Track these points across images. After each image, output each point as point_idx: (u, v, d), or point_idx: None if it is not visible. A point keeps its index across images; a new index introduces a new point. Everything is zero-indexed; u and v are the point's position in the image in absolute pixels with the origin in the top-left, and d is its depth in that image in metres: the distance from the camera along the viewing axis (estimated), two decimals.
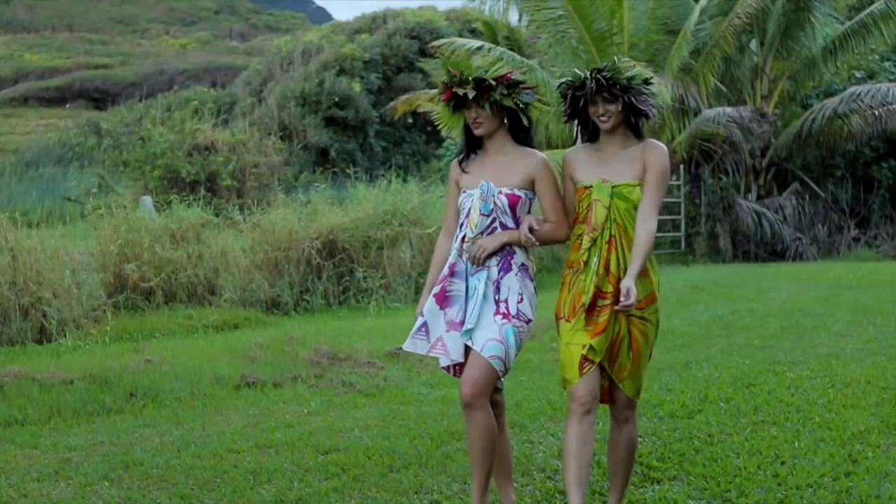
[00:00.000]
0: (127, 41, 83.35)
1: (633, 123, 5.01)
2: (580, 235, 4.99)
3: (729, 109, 22.04)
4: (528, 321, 5.03)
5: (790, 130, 23.60)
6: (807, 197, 23.53)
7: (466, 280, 5.03)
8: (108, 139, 39.00)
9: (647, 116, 4.99)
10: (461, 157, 5.26)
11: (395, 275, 14.98)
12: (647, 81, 4.98)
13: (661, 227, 22.50)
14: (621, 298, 4.68)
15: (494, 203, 5.01)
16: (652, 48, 22.86)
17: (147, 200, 15.65)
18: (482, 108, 5.03)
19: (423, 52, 39.75)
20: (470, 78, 5.02)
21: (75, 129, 44.65)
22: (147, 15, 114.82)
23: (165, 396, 8.15)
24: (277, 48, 45.21)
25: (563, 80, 5.13)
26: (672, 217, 22.81)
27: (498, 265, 5.01)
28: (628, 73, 4.92)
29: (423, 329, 5.01)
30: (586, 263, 4.91)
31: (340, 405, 7.84)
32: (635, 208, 4.91)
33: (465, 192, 5.14)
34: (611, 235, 4.91)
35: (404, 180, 17.71)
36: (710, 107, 22.58)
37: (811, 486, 5.50)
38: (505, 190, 5.03)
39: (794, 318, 11.61)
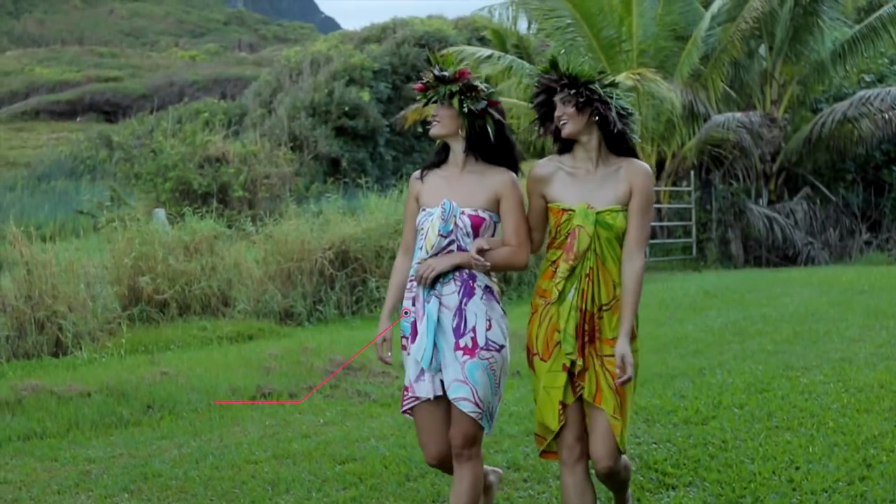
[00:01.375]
0: (136, 54, 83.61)
1: (611, 139, 4.63)
2: (554, 262, 4.64)
3: (739, 115, 22.10)
4: (501, 347, 4.63)
5: (800, 135, 23.63)
6: (818, 201, 23.54)
7: (423, 307, 4.64)
8: (119, 152, 39.20)
9: (622, 134, 4.60)
10: (423, 170, 4.90)
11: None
12: (612, 84, 4.63)
13: (671, 233, 22.60)
14: (617, 371, 4.48)
15: (455, 224, 4.63)
16: (661, 54, 22.96)
17: (160, 213, 15.73)
18: (448, 105, 4.68)
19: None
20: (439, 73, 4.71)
21: (86, 142, 44.82)
22: (156, 27, 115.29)
23: (182, 408, 8.21)
24: (286, 59, 45.30)
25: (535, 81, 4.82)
26: (683, 223, 22.84)
27: (459, 291, 4.63)
28: (603, 79, 4.61)
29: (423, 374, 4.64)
30: (561, 294, 4.56)
31: (356, 415, 7.89)
32: (617, 237, 4.58)
33: (424, 209, 4.76)
34: (589, 268, 4.56)
35: None
36: (720, 112, 22.65)
37: (826, 491, 5.53)
38: (468, 210, 4.66)
39: (806, 323, 11.62)
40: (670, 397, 7.85)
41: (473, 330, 4.59)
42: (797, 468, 5.93)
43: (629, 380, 4.52)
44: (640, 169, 4.63)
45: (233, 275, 14.04)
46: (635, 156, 4.70)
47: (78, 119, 61.35)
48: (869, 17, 23.85)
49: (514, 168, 4.79)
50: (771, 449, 6.32)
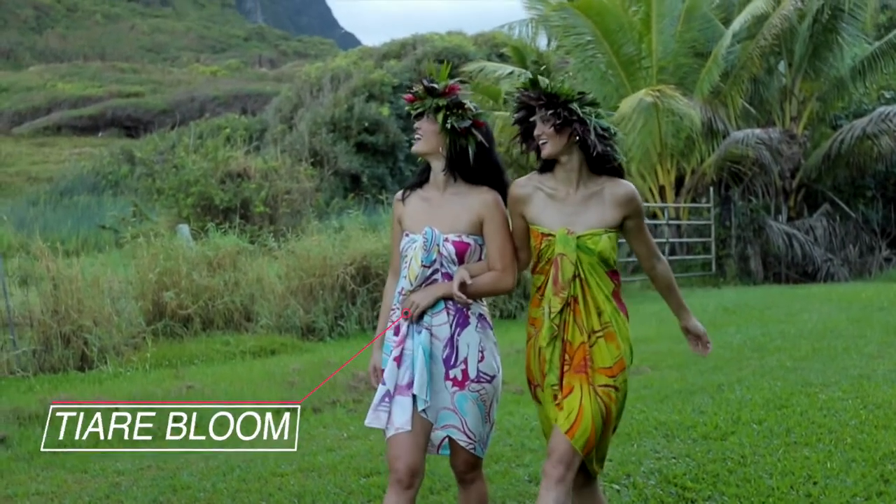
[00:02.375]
0: (158, 69, 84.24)
1: (592, 160, 4.47)
2: (539, 288, 4.51)
3: (758, 131, 22.15)
4: (492, 378, 4.53)
5: (820, 151, 23.65)
6: (837, 218, 23.55)
7: (411, 339, 4.47)
8: (140, 167, 39.51)
9: (605, 156, 4.44)
10: (404, 190, 4.75)
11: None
12: (593, 103, 4.44)
13: (691, 249, 22.65)
14: (706, 346, 4.81)
15: (439, 252, 4.49)
16: (680, 71, 23.07)
17: (184, 229, 15.91)
18: (433, 120, 4.53)
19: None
20: (428, 85, 4.57)
21: (109, 157, 45.14)
22: (177, 43, 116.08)
23: (208, 421, 8.32)
24: (307, 75, 45.56)
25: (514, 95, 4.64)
26: (702, 239, 22.89)
27: (451, 322, 4.48)
28: (583, 99, 4.43)
29: (387, 398, 4.45)
30: (559, 328, 4.42)
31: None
32: (601, 261, 4.43)
33: (407, 235, 4.60)
34: (571, 296, 4.42)
35: None
36: (739, 129, 22.70)
37: None
38: (452, 237, 4.51)
39: (825, 339, 11.68)
40: (690, 413, 7.93)
41: (465, 362, 4.47)
42: (815, 483, 6.00)
43: (710, 344, 4.80)
44: (625, 191, 4.50)
45: (255, 290, 14.19)
46: (620, 175, 4.56)
47: (100, 134, 61.82)
48: (888, 34, 23.88)
49: (503, 190, 4.61)
50: (789, 464, 6.38)
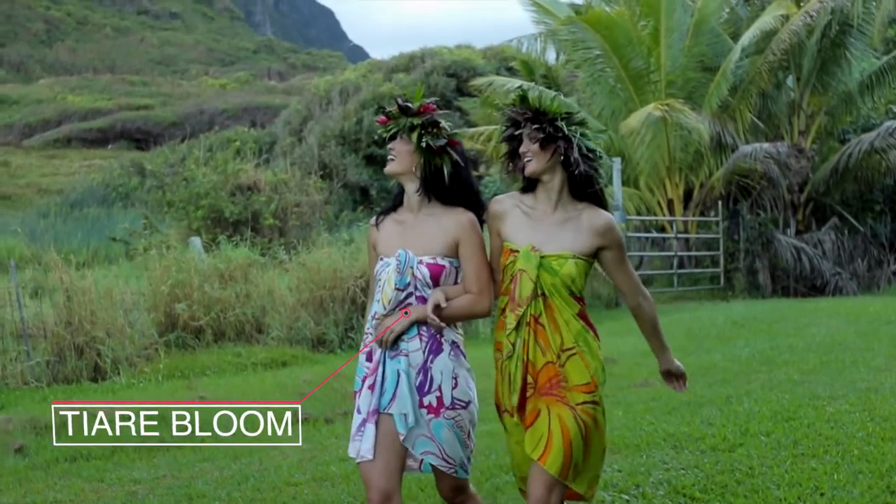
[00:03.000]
0: (167, 82, 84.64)
1: (576, 185, 4.41)
2: (503, 310, 4.41)
3: (766, 145, 22.24)
4: (467, 404, 4.44)
5: (827, 165, 23.71)
6: (846, 231, 23.59)
7: (384, 365, 4.40)
8: (150, 180, 39.69)
9: (589, 178, 4.39)
10: (380, 214, 4.66)
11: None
12: (581, 122, 4.41)
13: (699, 262, 22.71)
14: (683, 385, 4.76)
15: (413, 275, 4.39)
16: (689, 85, 23.20)
17: (196, 241, 16.03)
18: (408, 141, 4.47)
19: (461, 91, 40.17)
20: (401, 104, 4.48)
21: (119, 169, 45.35)
22: (187, 56, 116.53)
23: None
24: (316, 88, 45.77)
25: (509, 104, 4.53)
26: (711, 253, 22.96)
27: (424, 349, 4.39)
28: (572, 118, 4.39)
29: (363, 427, 4.44)
30: (514, 346, 4.32)
31: None
32: (565, 285, 4.31)
33: (381, 259, 4.52)
34: (531, 316, 4.32)
35: None
36: (748, 143, 22.79)
37: None
38: (426, 259, 4.41)
39: (833, 353, 11.73)
40: (698, 424, 8.00)
41: (439, 389, 4.37)
42: (822, 494, 6.06)
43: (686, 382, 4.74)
44: (604, 221, 4.40)
45: (266, 302, 14.29)
46: (600, 202, 4.47)
47: (109, 146, 62.12)
48: None
49: (478, 211, 4.54)
50: (797, 476, 6.45)
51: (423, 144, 4.43)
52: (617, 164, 20.66)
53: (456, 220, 4.44)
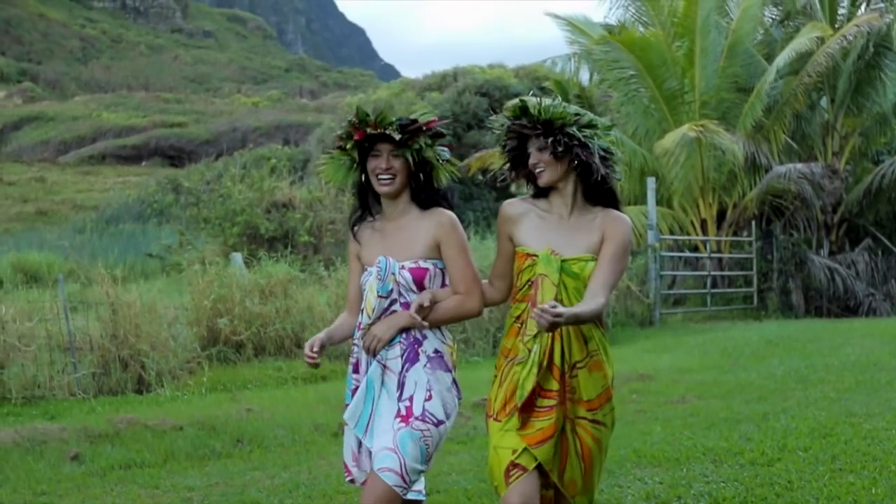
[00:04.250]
0: (201, 99, 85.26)
1: (590, 187, 4.27)
2: (519, 317, 4.24)
3: (800, 166, 22.30)
4: (439, 423, 4.25)
5: (861, 186, 23.75)
6: (879, 252, 23.58)
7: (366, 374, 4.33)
8: (184, 196, 40.06)
9: (603, 179, 4.23)
10: (354, 225, 4.56)
11: (474, 329, 15.39)
12: (591, 124, 4.23)
13: (732, 282, 22.77)
14: (549, 310, 3.84)
15: (395, 281, 4.31)
16: (723, 106, 23.32)
17: (237, 257, 16.29)
18: (399, 156, 4.34)
19: (493, 110, 40.25)
20: (393, 119, 4.32)
21: (154, 185, 45.80)
22: (219, 74, 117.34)
23: (270, 442, 8.64)
24: (350, 105, 46.04)
25: (500, 121, 4.36)
26: (744, 273, 23.00)
27: (402, 355, 4.29)
28: (580, 120, 4.21)
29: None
30: (530, 352, 4.13)
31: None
32: (585, 289, 4.16)
33: (366, 269, 4.42)
34: None
35: (482, 237, 18.20)
36: (781, 163, 22.86)
37: None
38: (408, 264, 4.33)
39: (868, 372, 11.81)
40: (736, 440, 8.13)
41: (410, 399, 4.23)
42: None
43: (558, 317, 3.86)
44: (617, 219, 4.28)
45: (306, 317, 14.49)
46: (616, 204, 4.34)
47: (143, 163, 62.66)
48: None
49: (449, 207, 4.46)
50: (835, 489, 6.57)
51: (440, 161, 4.41)
52: (651, 183, 20.79)
53: (436, 221, 4.36)
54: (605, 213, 4.29)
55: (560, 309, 3.85)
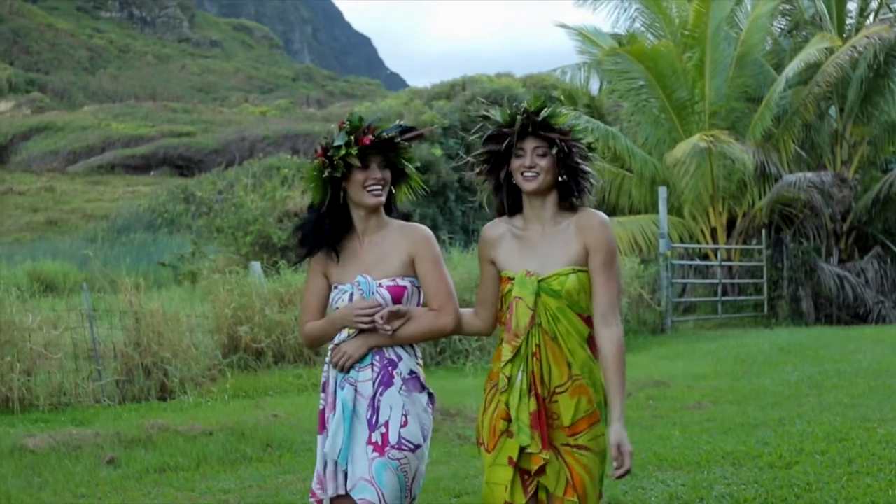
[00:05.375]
0: (208, 109, 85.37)
1: (566, 191, 4.02)
2: (503, 341, 4.03)
3: (810, 175, 22.48)
4: (416, 447, 4.09)
5: (870, 194, 23.93)
6: (888, 260, 23.71)
7: (335, 394, 4.15)
8: (194, 206, 40.28)
9: (583, 187, 4.00)
10: (329, 241, 4.25)
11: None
12: (590, 147, 4.06)
13: (742, 290, 22.93)
14: (615, 464, 3.89)
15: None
16: (732, 116, 23.53)
17: (256, 266, 16.47)
18: (387, 167, 4.23)
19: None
20: (390, 126, 4.20)
21: (164, 195, 46.01)
22: (226, 83, 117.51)
23: (298, 447, 8.83)
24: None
25: (486, 117, 4.11)
26: (755, 281, 23.16)
27: (375, 379, 4.11)
28: (571, 122, 4.00)
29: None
30: (510, 380, 3.94)
31: (459, 455, 8.46)
32: (571, 305, 3.96)
33: (336, 286, 4.23)
34: (536, 345, 3.94)
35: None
36: (791, 172, 23.03)
37: None
38: (385, 282, 4.15)
39: (881, 378, 11.99)
40: (754, 444, 8.32)
41: (386, 425, 4.05)
42: None
43: (628, 472, 3.91)
44: (593, 220, 4.01)
45: None
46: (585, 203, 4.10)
47: (152, 173, 62.83)
48: None
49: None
50: (853, 492, 6.76)
51: (412, 169, 4.30)
52: (662, 192, 20.98)
53: (411, 236, 4.21)
54: (578, 216, 4.03)
55: (620, 441, 3.88)
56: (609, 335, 3.95)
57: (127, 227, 41.73)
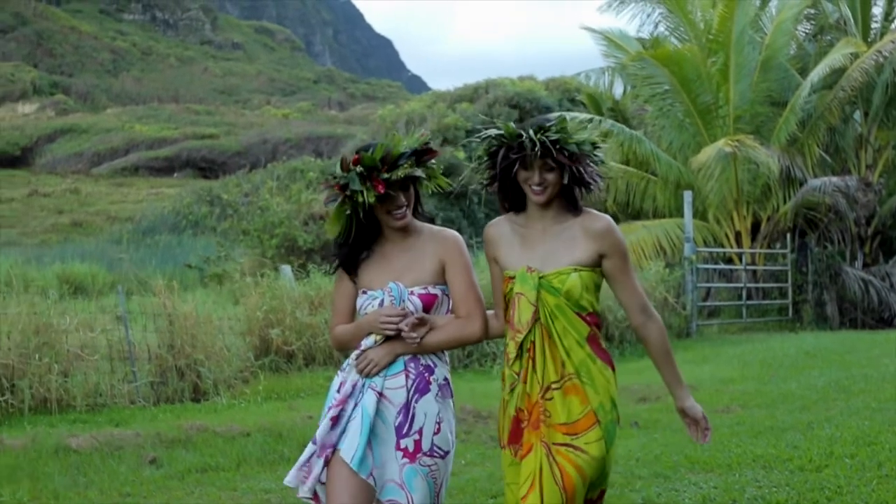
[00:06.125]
0: (231, 111, 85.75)
1: (569, 193, 4.06)
2: (508, 339, 4.06)
3: (835, 179, 22.53)
4: (446, 454, 4.11)
5: (894, 199, 23.98)
6: None
7: (356, 398, 4.10)
8: (218, 208, 40.52)
9: (589, 187, 4.04)
10: (355, 255, 4.25)
11: None
12: (595, 145, 4.04)
13: (767, 294, 22.98)
14: (702, 430, 4.15)
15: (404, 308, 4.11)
16: (757, 120, 23.59)
17: (287, 269, 16.66)
18: (415, 187, 4.20)
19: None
20: (402, 152, 4.11)
21: (188, 197, 46.28)
22: (248, 86, 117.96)
23: None
24: (382, 118, 46.39)
25: (491, 133, 4.10)
26: (779, 284, 23.22)
27: (410, 386, 4.08)
28: (578, 137, 3.97)
29: (313, 458, 4.19)
30: (518, 376, 4.00)
31: (493, 457, 8.58)
32: (570, 303, 3.97)
33: (365, 292, 4.21)
34: (531, 342, 3.98)
35: None
36: (815, 176, 23.09)
37: None
38: (417, 290, 4.14)
39: None
40: (784, 447, 8.42)
41: (420, 432, 4.04)
42: None
43: (709, 430, 4.15)
44: (602, 225, 4.06)
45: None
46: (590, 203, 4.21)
47: (175, 175, 63.17)
48: None
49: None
50: (883, 495, 6.86)
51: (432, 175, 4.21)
52: (688, 197, 21.07)
53: (442, 242, 4.20)
54: (583, 219, 4.08)
55: (690, 406, 4.16)
56: (655, 327, 4.10)
57: (152, 229, 42.02)
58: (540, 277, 3.97)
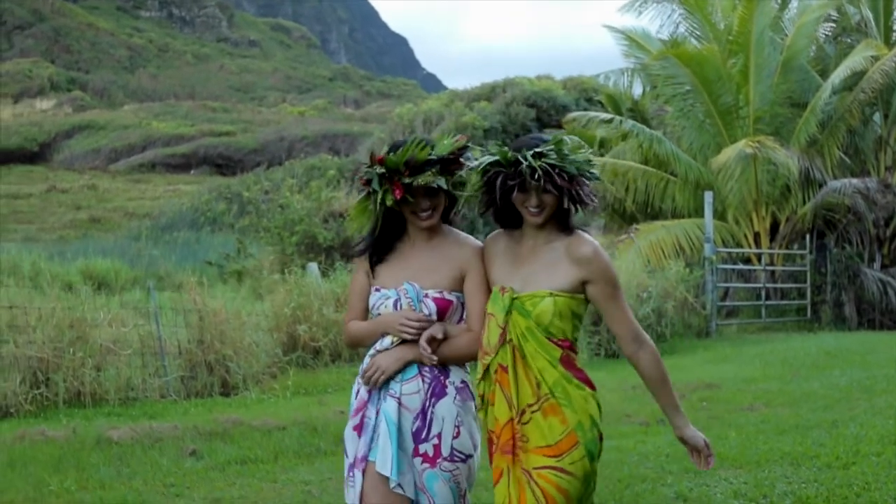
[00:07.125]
0: (247, 109, 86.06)
1: (564, 213, 4.00)
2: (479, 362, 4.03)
3: (855, 181, 22.58)
4: (468, 457, 4.02)
5: None
6: None
7: (374, 404, 4.06)
8: (236, 205, 40.73)
9: (585, 206, 3.95)
10: (380, 246, 4.20)
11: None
12: (591, 163, 3.97)
13: (786, 294, 23.06)
14: (704, 458, 4.02)
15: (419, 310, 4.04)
16: (777, 121, 23.67)
17: (313, 267, 16.82)
18: (442, 190, 4.07)
19: (541, 120, 40.79)
20: (429, 158, 4.04)
21: (207, 194, 46.50)
22: (264, 83, 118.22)
23: None
24: (399, 116, 46.56)
25: (486, 157, 4.01)
26: (798, 285, 23.28)
27: (426, 391, 4.00)
28: (574, 158, 3.90)
29: (352, 471, 4.09)
30: (483, 398, 4.00)
31: None
32: (540, 327, 3.88)
33: (378, 289, 4.14)
34: (499, 364, 3.92)
35: None
36: (835, 178, 23.16)
37: None
38: (432, 293, 4.06)
39: None
40: (810, 445, 8.55)
41: (438, 437, 3.98)
42: None
43: (712, 457, 4.04)
44: (586, 251, 3.97)
45: None
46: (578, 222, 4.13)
47: (192, 172, 63.45)
48: None
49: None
50: None
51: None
52: (708, 197, 21.17)
53: (465, 252, 4.12)
54: (569, 241, 4.01)
55: (692, 435, 4.01)
56: (647, 357, 3.98)
57: (170, 226, 42.29)
58: (514, 298, 3.91)
